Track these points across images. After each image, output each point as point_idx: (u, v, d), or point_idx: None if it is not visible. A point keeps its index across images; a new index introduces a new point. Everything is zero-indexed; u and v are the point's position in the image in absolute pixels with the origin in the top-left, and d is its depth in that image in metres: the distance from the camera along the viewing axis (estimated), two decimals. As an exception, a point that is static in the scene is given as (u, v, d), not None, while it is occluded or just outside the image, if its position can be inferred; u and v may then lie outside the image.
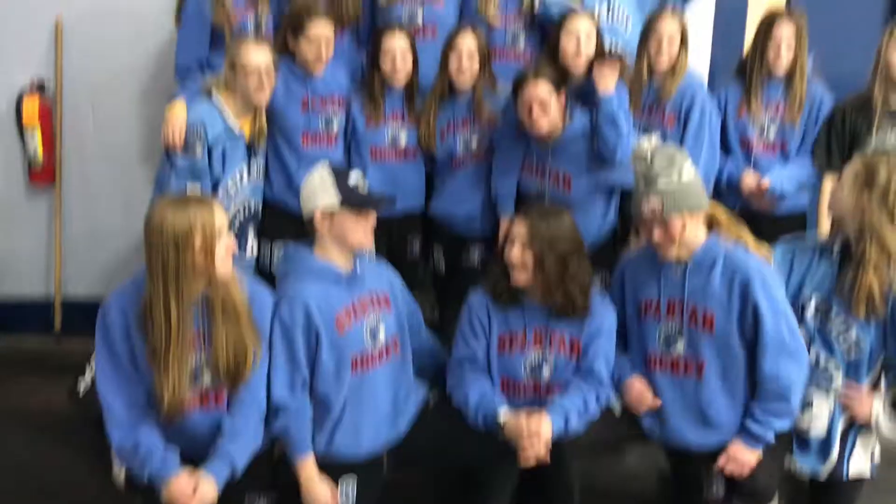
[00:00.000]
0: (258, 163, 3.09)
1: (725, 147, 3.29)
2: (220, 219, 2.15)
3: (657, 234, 2.37)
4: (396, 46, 3.09)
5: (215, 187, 2.91)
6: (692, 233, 2.38)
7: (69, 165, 3.98)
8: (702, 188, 2.45)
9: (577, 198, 2.99)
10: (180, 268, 2.07)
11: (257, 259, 3.17)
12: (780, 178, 3.20)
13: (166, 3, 3.56)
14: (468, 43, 3.07)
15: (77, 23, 3.86)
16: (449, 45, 3.10)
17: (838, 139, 3.21)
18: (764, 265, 2.41)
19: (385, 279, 2.56)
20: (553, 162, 3.01)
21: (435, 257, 3.36)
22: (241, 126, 2.96)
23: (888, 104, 3.12)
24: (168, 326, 2.09)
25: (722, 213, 2.48)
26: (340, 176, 2.39)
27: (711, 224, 2.45)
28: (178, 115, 2.86)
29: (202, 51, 3.29)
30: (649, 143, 2.42)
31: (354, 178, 2.41)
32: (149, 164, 3.86)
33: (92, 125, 3.98)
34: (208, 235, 2.10)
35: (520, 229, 2.43)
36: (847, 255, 2.43)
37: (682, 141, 3.13)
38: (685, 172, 2.36)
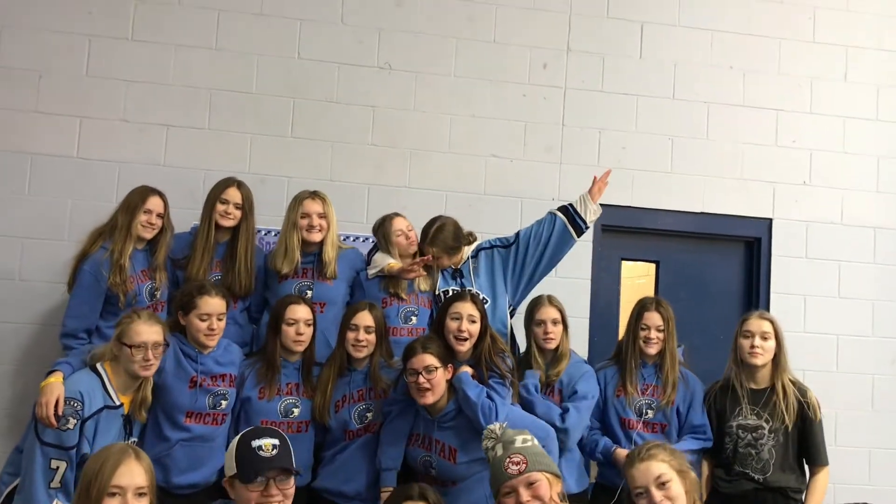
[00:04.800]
0: (132, 441, 2.92)
1: (606, 426, 3.42)
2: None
3: (525, 495, 2.30)
4: (300, 316, 3.15)
5: (81, 463, 2.72)
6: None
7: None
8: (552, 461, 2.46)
9: (463, 471, 2.96)
10: None
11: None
12: None
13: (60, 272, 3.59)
14: (366, 318, 3.18)
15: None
16: (348, 321, 3.19)
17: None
18: None
19: None
20: (438, 433, 3.02)
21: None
22: (122, 400, 2.87)
23: (745, 385, 3.38)
24: None
25: None
26: (246, 440, 2.27)
27: None
28: (55, 389, 2.76)
29: (93, 319, 3.28)
30: (498, 425, 2.51)
31: (260, 441, 2.27)
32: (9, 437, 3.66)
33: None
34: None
35: None
36: None
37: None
38: (533, 441, 2.42)
